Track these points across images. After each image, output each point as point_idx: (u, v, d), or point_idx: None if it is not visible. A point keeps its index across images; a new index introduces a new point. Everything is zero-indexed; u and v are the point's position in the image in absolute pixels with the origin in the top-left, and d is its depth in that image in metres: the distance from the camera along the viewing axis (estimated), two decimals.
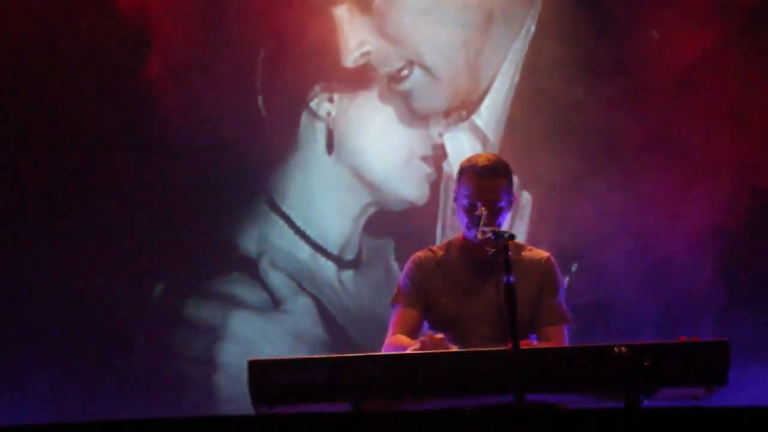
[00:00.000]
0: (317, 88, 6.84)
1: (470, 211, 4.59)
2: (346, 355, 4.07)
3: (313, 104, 6.84)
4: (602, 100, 6.79)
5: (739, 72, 6.81)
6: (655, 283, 6.69)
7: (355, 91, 6.84)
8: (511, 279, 4.04)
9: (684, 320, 6.65)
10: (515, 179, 6.70)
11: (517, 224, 6.72)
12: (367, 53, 6.84)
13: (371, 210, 6.85)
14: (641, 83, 6.83)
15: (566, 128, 6.78)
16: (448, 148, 6.82)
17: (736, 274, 6.72)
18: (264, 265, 6.80)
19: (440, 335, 4.34)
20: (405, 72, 6.82)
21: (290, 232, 6.82)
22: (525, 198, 6.78)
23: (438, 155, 6.86)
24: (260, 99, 6.84)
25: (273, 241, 6.82)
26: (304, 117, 6.86)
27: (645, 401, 3.99)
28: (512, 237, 4.18)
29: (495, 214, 4.55)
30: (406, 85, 6.84)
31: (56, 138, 6.70)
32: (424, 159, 6.86)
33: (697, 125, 6.78)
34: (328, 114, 6.83)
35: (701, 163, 6.75)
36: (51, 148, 6.69)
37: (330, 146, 6.84)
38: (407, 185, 6.85)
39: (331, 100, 6.83)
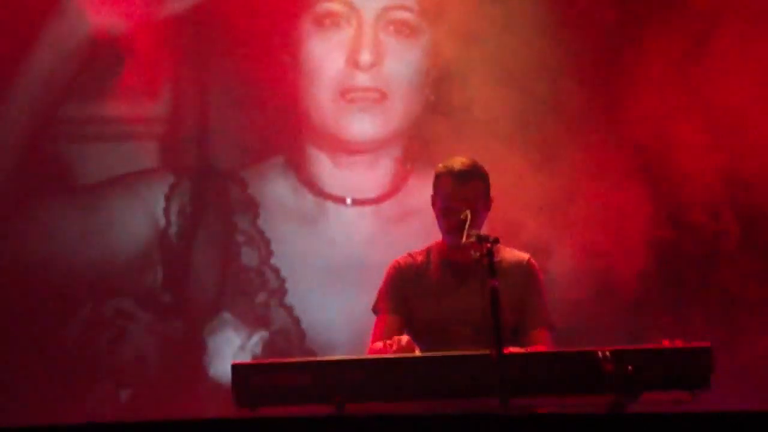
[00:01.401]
0: None
1: (448, 215, 4.59)
2: (330, 358, 4.07)
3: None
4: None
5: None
6: (582, 280, 6.73)
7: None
8: (496, 283, 4.06)
9: (603, 318, 6.67)
10: None
11: None
12: None
13: None
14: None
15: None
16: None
17: (656, 273, 6.77)
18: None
19: (406, 337, 4.37)
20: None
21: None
22: None
23: None
24: None
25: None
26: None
27: (628, 406, 4.02)
28: (497, 241, 4.20)
29: (475, 217, 4.53)
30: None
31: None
32: None
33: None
34: None
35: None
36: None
37: None
38: None
39: None
